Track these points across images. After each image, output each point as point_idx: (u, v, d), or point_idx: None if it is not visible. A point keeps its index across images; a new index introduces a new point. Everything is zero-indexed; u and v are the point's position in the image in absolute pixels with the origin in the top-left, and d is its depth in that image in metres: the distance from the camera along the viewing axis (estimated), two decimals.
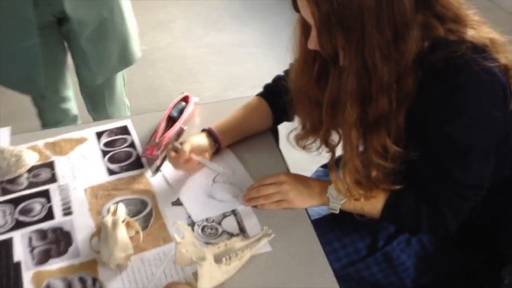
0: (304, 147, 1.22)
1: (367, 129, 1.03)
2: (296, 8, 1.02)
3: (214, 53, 3.28)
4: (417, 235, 1.23)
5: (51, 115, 1.92)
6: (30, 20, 1.59)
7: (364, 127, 1.03)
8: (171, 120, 1.38)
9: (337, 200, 1.15)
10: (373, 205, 1.14)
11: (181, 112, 1.39)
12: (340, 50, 0.98)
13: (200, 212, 1.18)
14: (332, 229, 1.28)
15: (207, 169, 1.27)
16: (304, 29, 1.06)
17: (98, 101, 1.93)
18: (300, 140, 1.22)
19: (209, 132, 1.30)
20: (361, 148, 1.07)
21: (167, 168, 1.28)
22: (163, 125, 1.36)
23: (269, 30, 3.42)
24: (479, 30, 1.04)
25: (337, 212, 1.17)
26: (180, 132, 1.37)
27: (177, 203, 1.21)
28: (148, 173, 1.28)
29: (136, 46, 1.84)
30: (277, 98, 1.30)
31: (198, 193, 1.23)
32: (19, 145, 1.34)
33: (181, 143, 1.23)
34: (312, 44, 1.02)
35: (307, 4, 0.95)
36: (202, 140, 1.28)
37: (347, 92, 0.99)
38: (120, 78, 1.94)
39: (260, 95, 1.37)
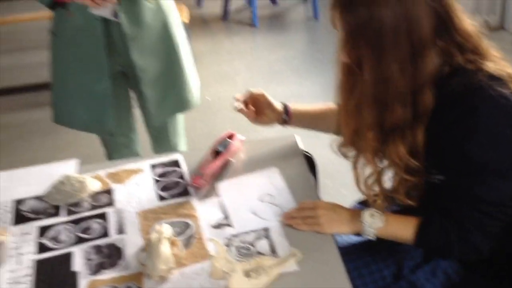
0: (343, 155, 1.33)
1: (384, 135, 1.14)
2: (334, 24, 1.17)
3: None
4: (450, 258, 1.29)
5: (117, 156, 2.12)
6: (103, 66, 1.80)
7: (381, 132, 1.14)
8: (217, 155, 1.52)
9: (371, 226, 1.24)
10: (405, 230, 1.22)
11: (226, 147, 1.53)
12: (363, 58, 1.11)
13: (241, 224, 1.33)
14: (361, 256, 1.36)
15: (256, 189, 1.42)
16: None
17: (160, 138, 2.11)
18: (340, 147, 1.33)
19: (285, 106, 1.50)
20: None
21: (222, 186, 1.44)
22: (209, 158, 1.50)
23: (327, 84, 3.56)
24: (498, 64, 1.15)
25: (373, 238, 1.25)
26: (226, 164, 1.51)
27: (217, 226, 1.34)
28: (193, 200, 1.42)
29: (192, 94, 2.01)
30: None
31: (244, 208, 1.38)
32: (84, 174, 1.52)
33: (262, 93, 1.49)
34: (343, 56, 1.15)
35: (339, 18, 1.12)
36: (277, 103, 1.50)
37: (366, 96, 1.12)
38: (181, 119, 2.12)
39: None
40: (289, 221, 1.31)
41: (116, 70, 1.87)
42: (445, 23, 1.10)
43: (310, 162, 1.56)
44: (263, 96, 1.52)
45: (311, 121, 1.55)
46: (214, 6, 4.82)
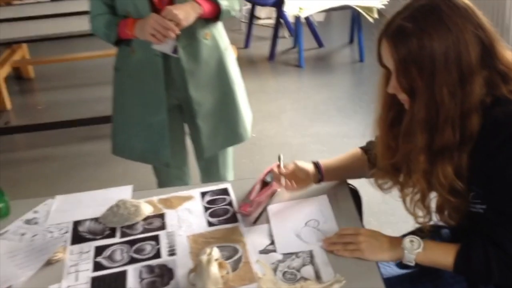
0: (380, 187, 1.39)
1: (433, 157, 1.19)
2: (380, 61, 1.25)
3: (319, 142, 3.51)
4: (489, 284, 1.30)
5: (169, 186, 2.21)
6: (162, 100, 1.91)
7: (431, 155, 1.19)
8: (264, 185, 1.59)
9: (411, 251, 1.27)
10: (445, 255, 1.25)
11: (273, 178, 1.60)
12: (415, 85, 1.17)
13: (284, 246, 1.39)
14: (404, 287, 1.39)
15: (303, 214, 1.49)
16: (386, 79, 1.28)
17: (210, 171, 2.18)
18: (377, 179, 1.39)
19: (317, 165, 1.56)
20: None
21: (271, 210, 1.52)
22: (257, 187, 1.57)
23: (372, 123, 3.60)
24: None
25: (413, 263, 1.28)
26: (272, 194, 1.57)
27: (264, 251, 1.39)
28: (241, 226, 1.48)
29: (244, 128, 2.10)
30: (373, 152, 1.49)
31: (289, 231, 1.44)
32: (138, 199, 1.61)
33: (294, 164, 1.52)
34: (391, 88, 1.23)
35: (388, 48, 1.18)
36: (309, 167, 1.54)
37: (418, 121, 1.18)
38: (230, 153, 2.20)
39: (362, 148, 1.58)
40: (330, 247, 1.36)
41: (173, 103, 1.98)
42: (489, 52, 1.16)
43: (355, 196, 1.61)
44: (297, 167, 1.56)
45: (342, 173, 1.60)
46: (261, 47, 4.96)
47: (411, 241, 1.28)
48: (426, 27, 1.14)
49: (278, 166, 1.55)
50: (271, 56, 4.78)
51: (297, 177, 1.56)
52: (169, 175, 2.18)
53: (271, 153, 3.41)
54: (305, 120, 3.80)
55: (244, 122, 2.09)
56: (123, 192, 1.67)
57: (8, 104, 4.12)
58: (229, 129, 2.05)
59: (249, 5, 5.01)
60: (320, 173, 1.56)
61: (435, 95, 1.15)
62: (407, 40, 1.15)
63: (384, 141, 1.34)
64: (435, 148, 1.19)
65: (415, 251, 1.26)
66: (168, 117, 1.94)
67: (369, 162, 1.53)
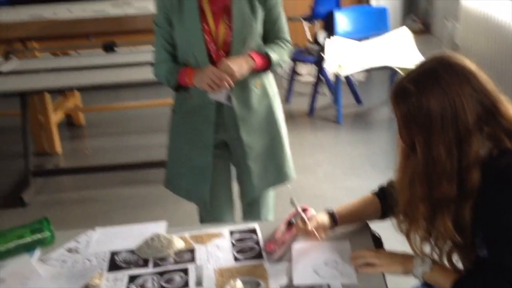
0: (401, 231, 1.47)
1: (432, 208, 1.29)
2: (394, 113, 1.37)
3: (352, 195, 3.51)
4: None
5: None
6: (209, 142, 2.08)
7: (430, 205, 1.29)
8: (290, 225, 1.69)
9: (420, 269, 1.38)
10: (445, 279, 1.35)
11: (298, 219, 1.69)
12: (415, 141, 1.29)
13: (301, 278, 1.49)
14: None
15: (323, 253, 1.59)
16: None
17: (252, 211, 2.30)
18: (399, 224, 1.47)
19: (331, 214, 1.66)
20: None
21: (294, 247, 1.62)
22: (282, 227, 1.67)
23: None
24: None
25: (421, 280, 1.39)
26: (296, 234, 1.67)
27: (286, 287, 1.48)
28: (265, 263, 1.57)
29: (290, 168, 2.25)
30: (386, 197, 1.60)
31: (308, 266, 1.54)
32: (172, 234, 1.72)
33: (309, 219, 1.61)
34: (397, 140, 1.34)
35: (393, 106, 1.33)
36: (325, 219, 1.65)
37: (417, 173, 1.29)
38: (272, 195, 2.33)
39: (375, 193, 1.68)
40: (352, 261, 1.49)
41: (221, 143, 2.13)
42: (491, 111, 1.26)
43: (377, 242, 1.69)
44: (316, 222, 1.65)
45: (356, 218, 1.70)
46: (301, 103, 5.11)
47: (423, 260, 1.39)
48: (424, 89, 1.27)
49: (304, 222, 1.63)
50: (311, 111, 4.91)
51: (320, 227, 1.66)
52: (212, 214, 2.26)
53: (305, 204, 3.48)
54: (340, 174, 3.88)
55: (290, 162, 2.24)
56: (158, 227, 1.79)
57: (59, 148, 4.35)
58: (277, 169, 2.20)
59: (291, 62, 5.20)
60: (335, 221, 1.66)
61: (432, 151, 1.26)
62: (407, 100, 1.28)
63: (400, 188, 1.43)
64: (433, 200, 1.29)
65: (422, 269, 1.38)
66: (214, 158, 2.10)
67: (382, 206, 1.62)
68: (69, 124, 4.90)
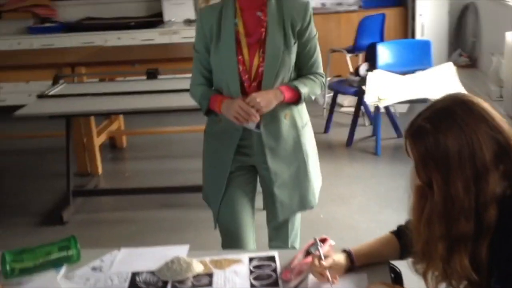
0: (417, 271, 1.46)
1: (450, 246, 1.28)
2: (408, 155, 1.38)
3: (386, 228, 3.48)
4: None
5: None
6: (227, 165, 2.15)
7: (448, 244, 1.28)
8: (308, 255, 1.70)
9: None
10: None
11: (316, 249, 1.70)
12: (433, 179, 1.29)
13: None
14: None
15: (340, 285, 1.59)
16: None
17: (279, 236, 2.31)
18: (415, 264, 1.47)
19: (348, 253, 1.65)
20: None
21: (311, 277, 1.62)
22: (299, 256, 1.69)
23: None
24: None
25: None
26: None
27: None
28: None
29: (314, 196, 2.27)
30: (405, 236, 1.58)
31: None
32: (192, 258, 1.76)
33: (325, 256, 1.60)
34: (412, 179, 1.34)
35: (409, 145, 1.34)
36: (342, 259, 1.64)
37: (436, 211, 1.30)
38: (298, 219, 2.35)
39: (393, 232, 1.68)
40: None
41: (248, 169, 2.20)
42: (505, 150, 1.26)
43: (397, 277, 1.68)
44: (334, 262, 1.64)
45: (374, 258, 1.69)
46: (340, 133, 5.11)
47: None
48: (441, 128, 1.28)
49: (319, 259, 1.61)
50: (349, 142, 4.91)
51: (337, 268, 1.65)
52: (233, 238, 2.27)
53: (336, 235, 3.43)
54: (375, 206, 3.85)
55: (314, 190, 2.27)
56: (180, 250, 1.84)
57: (100, 169, 4.49)
58: (300, 196, 2.24)
59: (332, 93, 5.23)
60: (352, 261, 1.65)
61: (450, 189, 1.27)
62: (424, 139, 1.30)
63: (419, 226, 1.43)
64: (451, 238, 1.28)
65: None
66: (239, 182, 2.18)
67: (401, 246, 1.62)
68: (112, 146, 5.04)
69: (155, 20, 6.15)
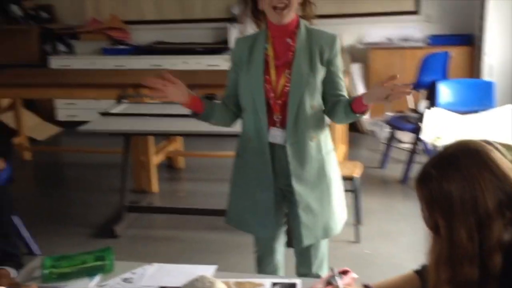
0: None
1: None
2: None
3: None
4: None
5: (266, 270, 2.41)
6: (270, 179, 2.23)
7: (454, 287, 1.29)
8: (328, 284, 1.72)
9: None
10: None
11: (337, 280, 1.72)
12: (438, 224, 1.32)
13: None
14: None
15: None
16: None
17: (303, 261, 2.38)
18: None
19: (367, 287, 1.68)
20: None
21: None
22: (319, 285, 1.71)
23: None
24: None
25: None
26: None
27: None
28: None
29: (336, 224, 2.33)
30: (427, 276, 1.58)
31: None
32: (217, 278, 1.82)
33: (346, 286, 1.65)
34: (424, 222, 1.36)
35: (417, 190, 1.38)
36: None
37: (442, 255, 1.31)
38: (324, 245, 2.40)
39: (416, 271, 1.69)
40: None
41: (282, 184, 2.26)
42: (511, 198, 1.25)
43: None
44: None
45: None
46: (396, 169, 5.06)
47: None
48: (445, 174, 1.31)
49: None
50: (404, 179, 4.85)
51: None
52: (266, 259, 2.41)
53: (380, 272, 3.42)
54: (422, 247, 3.77)
55: (336, 219, 2.33)
56: (207, 270, 1.90)
57: (156, 188, 4.64)
58: (324, 223, 2.29)
59: (390, 129, 5.20)
60: None
61: (454, 235, 1.29)
62: (429, 184, 1.33)
63: (429, 271, 1.44)
64: (457, 283, 1.29)
65: None
66: (274, 197, 2.25)
67: (422, 285, 1.62)
68: (170, 166, 5.21)
69: (221, 47, 6.34)
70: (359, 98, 2.12)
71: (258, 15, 2.25)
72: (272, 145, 2.20)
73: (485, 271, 1.26)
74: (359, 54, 6.32)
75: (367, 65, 6.23)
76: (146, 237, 3.92)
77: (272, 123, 2.19)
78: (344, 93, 2.25)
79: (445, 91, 4.85)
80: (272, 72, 2.18)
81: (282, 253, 2.45)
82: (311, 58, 2.17)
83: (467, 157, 1.32)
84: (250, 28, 2.36)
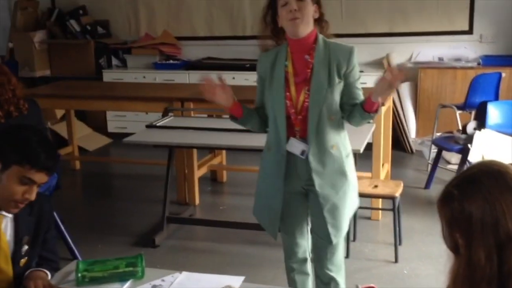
0: None
1: None
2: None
3: None
4: None
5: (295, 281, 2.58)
6: (280, 188, 2.40)
7: None
8: None
9: None
10: None
11: None
12: (458, 244, 1.31)
13: None
14: None
15: None
16: None
17: (322, 260, 2.49)
18: None
19: None
20: None
21: None
22: None
23: None
24: None
25: None
26: None
27: None
28: None
29: (346, 223, 2.47)
30: None
31: None
32: None
33: None
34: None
35: (438, 210, 1.38)
36: None
37: (459, 275, 1.30)
38: (342, 247, 2.51)
39: None
40: None
41: (296, 189, 2.43)
42: None
43: None
44: None
45: None
46: (440, 190, 4.95)
47: None
48: (467, 195, 1.30)
49: None
50: None
51: None
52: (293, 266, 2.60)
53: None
54: None
55: (352, 210, 2.52)
56: (234, 280, 1.92)
57: (197, 200, 4.71)
58: (346, 217, 2.46)
59: (437, 149, 5.11)
60: None
61: (472, 255, 1.28)
62: (450, 204, 1.33)
63: None
64: None
65: None
66: (283, 202, 2.42)
67: None
68: (213, 179, 5.27)
69: None
70: (369, 98, 2.25)
71: (278, 34, 2.40)
72: (293, 154, 2.33)
73: None
74: (409, 73, 6.25)
75: (417, 84, 6.16)
76: (185, 248, 3.97)
77: (292, 134, 2.34)
78: (361, 99, 2.35)
79: (494, 112, 4.74)
80: (292, 89, 2.32)
81: (308, 249, 2.58)
82: (329, 72, 2.29)
83: (490, 178, 1.31)
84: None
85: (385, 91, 2.19)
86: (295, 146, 2.32)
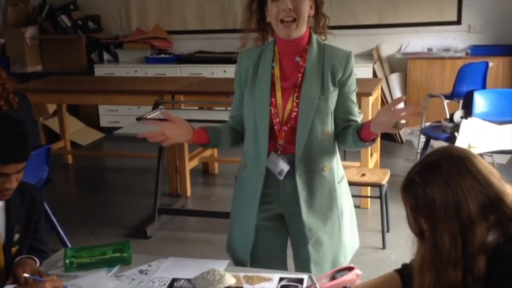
0: None
1: None
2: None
3: None
4: None
5: None
6: (254, 210, 2.06)
7: None
8: (333, 279, 1.77)
9: None
10: None
11: (342, 276, 1.77)
12: (423, 229, 1.34)
13: None
14: None
15: None
16: None
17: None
18: None
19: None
20: None
21: None
22: (323, 279, 1.76)
23: None
24: None
25: None
26: None
27: None
28: None
29: (344, 258, 2.14)
30: (408, 276, 1.61)
31: None
32: (230, 272, 1.89)
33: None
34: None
35: (402, 197, 1.42)
36: None
37: (426, 260, 1.34)
38: None
39: (397, 270, 1.70)
40: None
41: (276, 218, 2.12)
42: (495, 202, 1.29)
43: None
44: None
45: None
46: None
47: None
48: (428, 181, 1.34)
49: None
50: None
51: None
52: None
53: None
54: None
55: (346, 251, 2.15)
56: (219, 264, 1.97)
57: (189, 192, 4.76)
58: (333, 257, 2.11)
59: (425, 138, 5.16)
60: None
61: (437, 239, 1.32)
62: (414, 190, 1.37)
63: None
64: (441, 287, 1.31)
65: None
66: (264, 225, 2.11)
67: (403, 285, 1.64)
68: (205, 171, 5.32)
69: None
70: (367, 126, 1.94)
71: (264, 27, 2.04)
72: (266, 175, 2.01)
73: (469, 275, 1.29)
74: (398, 64, 6.31)
75: (406, 75, 6.21)
76: (176, 238, 4.02)
77: (273, 148, 2.00)
78: (356, 117, 2.06)
79: (480, 101, 4.79)
80: (278, 94, 1.98)
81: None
82: (323, 78, 1.97)
83: (449, 163, 1.35)
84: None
85: (388, 128, 1.84)
86: (274, 163, 1.99)
